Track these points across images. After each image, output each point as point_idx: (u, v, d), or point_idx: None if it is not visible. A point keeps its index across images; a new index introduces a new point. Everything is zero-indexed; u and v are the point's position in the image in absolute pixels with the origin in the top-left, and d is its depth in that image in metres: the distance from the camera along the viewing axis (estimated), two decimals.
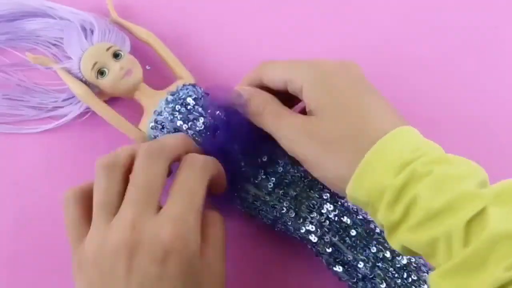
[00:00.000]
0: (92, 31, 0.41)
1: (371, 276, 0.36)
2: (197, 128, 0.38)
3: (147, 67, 0.42)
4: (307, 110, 0.35)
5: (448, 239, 0.27)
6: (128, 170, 0.31)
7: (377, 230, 0.37)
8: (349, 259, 0.37)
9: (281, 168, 0.37)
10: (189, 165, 0.32)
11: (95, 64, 0.39)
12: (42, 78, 0.43)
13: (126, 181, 0.31)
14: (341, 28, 0.48)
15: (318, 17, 0.48)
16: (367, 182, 0.30)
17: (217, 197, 0.36)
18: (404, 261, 0.36)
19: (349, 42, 0.47)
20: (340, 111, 0.32)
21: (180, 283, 0.28)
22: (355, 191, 0.31)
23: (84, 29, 0.41)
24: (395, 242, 0.30)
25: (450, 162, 0.30)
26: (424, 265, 0.37)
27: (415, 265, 0.37)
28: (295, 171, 0.38)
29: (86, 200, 0.32)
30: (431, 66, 0.47)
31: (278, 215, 0.37)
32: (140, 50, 0.43)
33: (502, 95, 0.46)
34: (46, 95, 0.42)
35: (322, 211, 0.37)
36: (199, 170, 0.32)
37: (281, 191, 0.37)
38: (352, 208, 0.38)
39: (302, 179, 0.38)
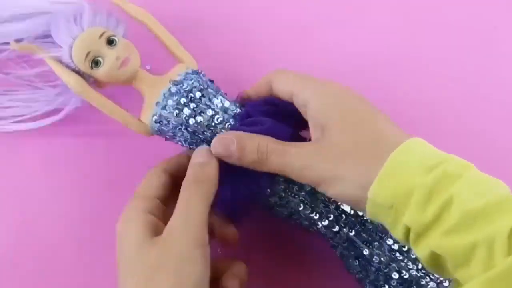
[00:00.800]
0: (81, 16, 0.37)
1: (385, 270, 0.36)
2: (205, 122, 0.35)
3: (147, 67, 0.40)
4: (312, 128, 0.34)
5: (490, 246, 0.25)
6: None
7: None
8: (364, 253, 0.36)
9: None
10: None
11: (88, 54, 0.36)
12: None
13: None
14: (345, 27, 0.48)
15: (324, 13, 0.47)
16: (393, 182, 0.28)
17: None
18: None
19: (349, 42, 0.47)
20: (352, 124, 0.32)
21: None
22: (378, 194, 0.29)
23: (72, 15, 0.37)
24: (422, 247, 0.28)
25: (477, 169, 0.28)
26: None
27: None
28: None
29: None
30: (431, 66, 0.46)
31: (293, 211, 0.36)
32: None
33: (502, 95, 0.46)
34: (38, 92, 0.39)
35: (338, 205, 0.36)
36: None
37: (296, 187, 0.36)
38: None
39: None
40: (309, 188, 0.36)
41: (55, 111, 0.40)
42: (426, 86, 0.46)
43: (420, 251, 0.29)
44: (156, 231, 0.32)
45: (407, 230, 0.29)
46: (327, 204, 0.36)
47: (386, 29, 0.48)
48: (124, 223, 0.33)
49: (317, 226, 0.36)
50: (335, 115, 0.32)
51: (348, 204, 0.33)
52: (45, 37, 0.38)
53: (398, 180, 0.28)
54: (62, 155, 0.41)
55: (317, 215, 0.36)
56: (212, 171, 0.34)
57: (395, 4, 0.48)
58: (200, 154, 0.34)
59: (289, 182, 0.36)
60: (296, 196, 0.36)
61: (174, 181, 0.35)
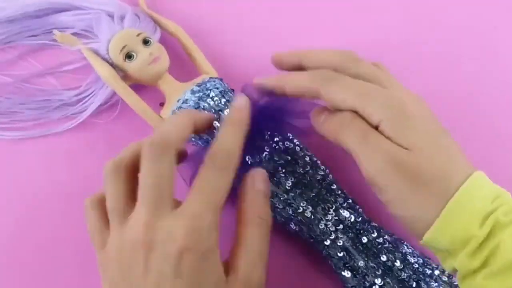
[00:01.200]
0: (123, 18, 0.41)
1: (380, 284, 0.36)
2: (222, 120, 0.38)
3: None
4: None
5: None
6: (136, 168, 0.30)
7: (388, 238, 0.38)
8: (359, 265, 0.37)
9: (301, 169, 0.38)
10: (211, 160, 0.30)
11: (124, 47, 0.39)
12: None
13: (134, 180, 0.30)
14: (347, 25, 0.48)
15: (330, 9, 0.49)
16: (451, 230, 0.30)
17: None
18: (413, 270, 0.37)
19: (348, 43, 0.46)
20: (433, 148, 0.31)
21: (195, 280, 0.27)
22: (436, 237, 0.31)
23: (115, 17, 0.41)
24: (467, 285, 0.31)
25: None
26: (431, 276, 0.38)
27: (422, 275, 0.37)
28: (314, 173, 0.38)
29: (103, 206, 0.31)
30: (431, 66, 0.47)
31: (293, 214, 0.37)
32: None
33: (502, 95, 0.46)
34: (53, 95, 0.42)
35: (338, 214, 0.37)
36: (221, 167, 0.30)
37: (298, 191, 0.37)
38: (367, 215, 0.38)
39: (320, 181, 0.38)
40: (312, 193, 0.37)
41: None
42: (426, 86, 0.43)
43: (465, 287, 0.31)
44: None
45: (455, 269, 0.32)
46: (327, 213, 0.37)
47: (385, 29, 0.47)
48: None
49: (315, 232, 0.37)
50: (413, 137, 0.31)
51: (402, 225, 0.33)
52: (84, 31, 0.42)
53: (456, 230, 0.30)
54: (62, 154, 0.42)
55: (316, 220, 0.37)
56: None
57: (395, 4, 0.49)
58: (262, 184, 0.33)
59: (294, 185, 0.37)
60: (298, 200, 0.37)
61: None
